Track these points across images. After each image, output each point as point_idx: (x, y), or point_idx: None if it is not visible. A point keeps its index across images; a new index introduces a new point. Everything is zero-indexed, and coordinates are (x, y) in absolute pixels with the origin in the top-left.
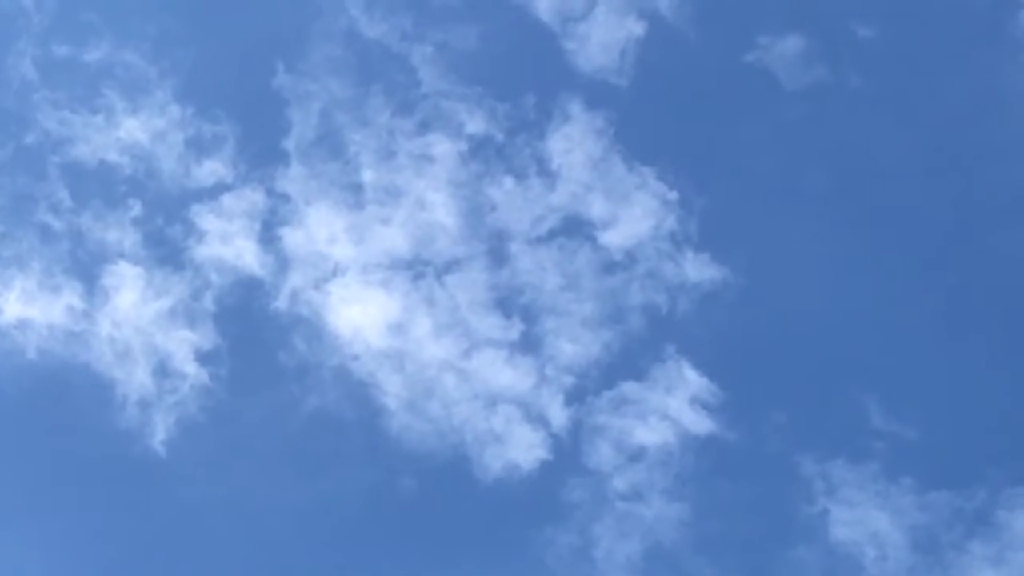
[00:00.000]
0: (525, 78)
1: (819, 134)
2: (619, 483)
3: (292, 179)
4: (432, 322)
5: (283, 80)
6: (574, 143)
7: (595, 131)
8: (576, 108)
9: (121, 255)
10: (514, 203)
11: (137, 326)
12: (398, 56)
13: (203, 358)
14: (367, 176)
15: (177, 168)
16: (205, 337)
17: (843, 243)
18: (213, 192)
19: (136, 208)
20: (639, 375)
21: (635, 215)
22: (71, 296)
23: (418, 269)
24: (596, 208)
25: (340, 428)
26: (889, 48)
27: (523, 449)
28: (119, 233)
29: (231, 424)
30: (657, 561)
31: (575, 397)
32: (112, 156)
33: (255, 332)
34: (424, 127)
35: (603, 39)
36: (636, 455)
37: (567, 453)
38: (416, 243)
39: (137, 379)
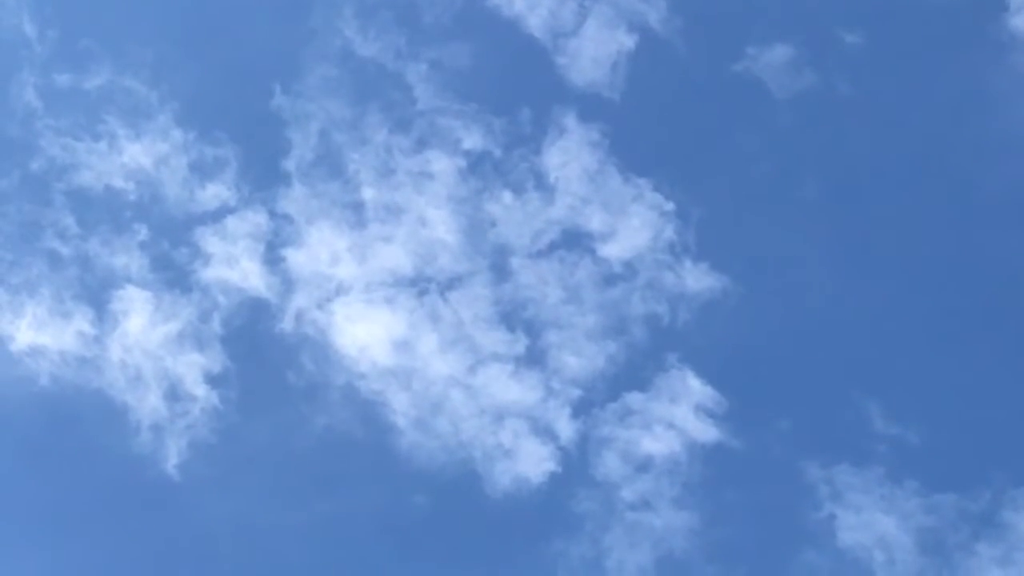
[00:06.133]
0: (519, 93)
1: (811, 140)
2: (627, 493)
3: (294, 199)
4: (437, 339)
5: (281, 101)
6: (570, 156)
7: (590, 144)
8: (571, 122)
9: (129, 279)
10: (514, 218)
11: (147, 350)
12: (393, 74)
13: (213, 380)
14: (367, 194)
15: (181, 192)
16: (214, 359)
17: (840, 248)
18: (217, 215)
19: (142, 232)
20: (643, 385)
21: (633, 226)
22: (81, 322)
23: (421, 286)
24: (594, 221)
25: (350, 446)
26: (876, 54)
27: (532, 463)
28: (126, 258)
29: (242, 445)
30: (668, 570)
31: (581, 409)
32: (117, 182)
33: (263, 353)
34: (422, 144)
35: (594, 53)
36: (643, 465)
37: (575, 465)
38: (418, 260)
39: (149, 404)
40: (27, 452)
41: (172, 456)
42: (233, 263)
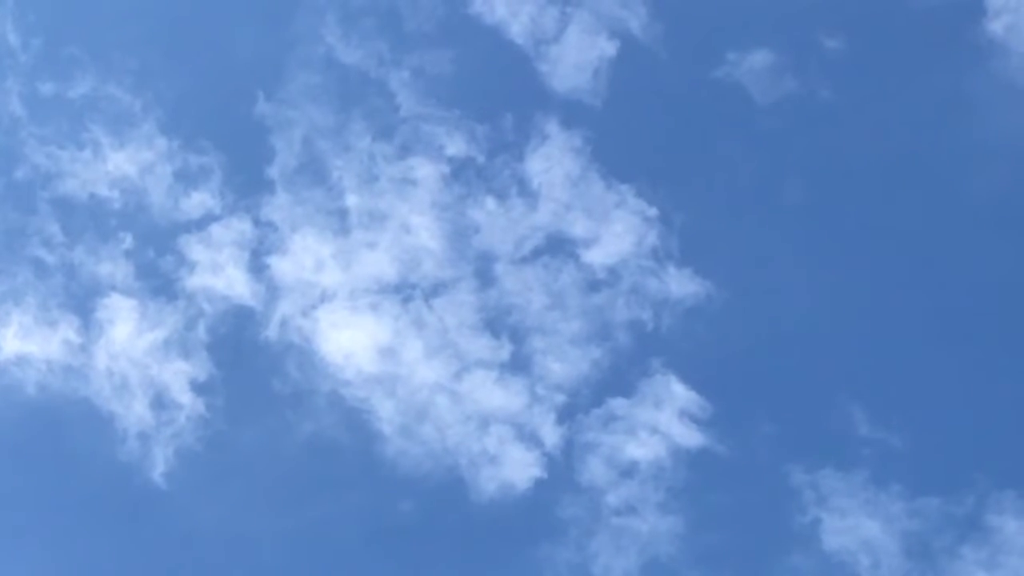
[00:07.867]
0: (501, 100)
1: (793, 145)
2: (613, 499)
3: (277, 207)
4: (422, 345)
5: (264, 109)
6: (553, 162)
7: (573, 150)
8: (553, 128)
9: (114, 288)
10: (497, 224)
11: (133, 358)
12: (376, 81)
13: (199, 388)
14: (351, 201)
15: (166, 200)
16: (200, 367)
17: (823, 253)
18: (202, 223)
19: (127, 241)
20: (627, 391)
21: (616, 232)
22: (67, 330)
23: (406, 293)
24: (578, 227)
25: (335, 453)
26: (857, 59)
27: (517, 469)
28: (111, 266)
29: (228, 453)
30: (654, 575)
31: (566, 415)
32: (102, 190)
33: (248, 360)
34: (405, 151)
35: (576, 60)
36: (628, 470)
37: (560, 471)
38: (403, 267)
39: (136, 412)
40: (13, 461)
41: (159, 464)
42: (218, 271)
